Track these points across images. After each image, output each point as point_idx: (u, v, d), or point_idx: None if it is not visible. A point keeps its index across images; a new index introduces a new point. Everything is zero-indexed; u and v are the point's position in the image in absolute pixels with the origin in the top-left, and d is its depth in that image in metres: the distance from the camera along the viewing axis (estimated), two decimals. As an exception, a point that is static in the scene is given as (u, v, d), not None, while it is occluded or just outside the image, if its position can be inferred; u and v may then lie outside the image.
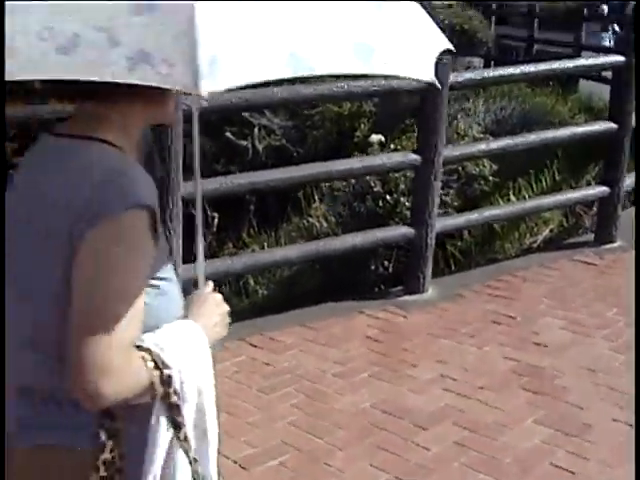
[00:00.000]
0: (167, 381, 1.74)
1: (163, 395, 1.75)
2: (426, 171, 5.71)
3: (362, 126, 11.92)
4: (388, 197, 7.27)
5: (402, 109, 10.29)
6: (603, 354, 5.12)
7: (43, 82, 1.90)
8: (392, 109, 10.61)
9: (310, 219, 9.08)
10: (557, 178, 8.55)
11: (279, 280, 7.98)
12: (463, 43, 14.41)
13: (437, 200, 5.88)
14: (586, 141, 7.66)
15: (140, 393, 1.72)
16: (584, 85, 13.75)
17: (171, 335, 1.80)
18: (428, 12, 1.93)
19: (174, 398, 1.77)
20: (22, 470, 1.81)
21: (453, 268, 7.23)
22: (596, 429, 4.27)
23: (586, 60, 8.66)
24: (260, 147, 13.93)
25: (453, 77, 5.82)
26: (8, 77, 1.52)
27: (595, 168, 8.48)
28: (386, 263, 7.28)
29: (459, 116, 9.91)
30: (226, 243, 11.48)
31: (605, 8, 19.23)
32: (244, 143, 13.98)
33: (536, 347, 5.18)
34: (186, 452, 1.82)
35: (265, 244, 9.13)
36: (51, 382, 1.75)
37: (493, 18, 17.66)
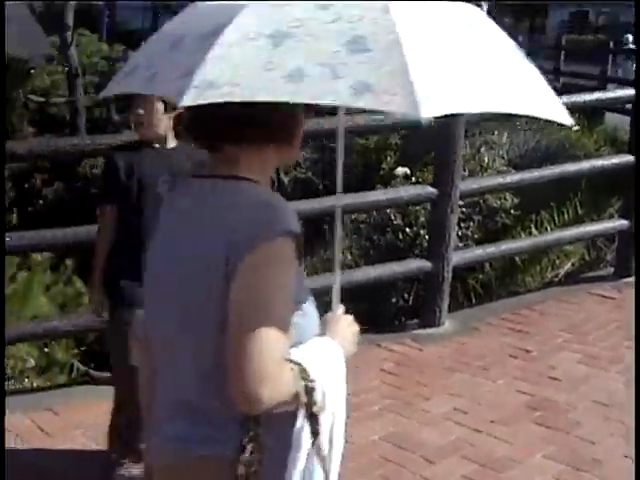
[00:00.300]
0: (310, 392, 1.93)
1: (306, 404, 1.94)
2: (442, 204, 5.75)
3: (388, 159, 11.98)
4: (408, 230, 7.33)
5: (428, 142, 10.33)
6: (617, 388, 5.10)
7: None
8: (418, 142, 10.66)
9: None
10: (580, 211, 8.57)
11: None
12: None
13: (454, 233, 5.92)
14: (609, 174, 7.67)
15: (288, 401, 1.89)
16: (610, 117, 13.75)
17: (313, 350, 2.00)
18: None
19: (315, 408, 1.96)
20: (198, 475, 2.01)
21: (474, 301, 7.26)
22: (606, 465, 4.25)
23: (609, 93, 8.69)
24: (286, 180, 14.04)
25: (469, 111, 5.85)
26: (236, 98, 1.69)
27: (618, 201, 8.48)
28: (406, 296, 7.31)
29: (482, 149, 9.95)
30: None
31: (630, 38, 19.15)
32: (270, 175, 14.08)
33: (550, 381, 5.18)
34: (322, 459, 2.02)
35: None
36: (208, 398, 1.96)
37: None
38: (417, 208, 7.37)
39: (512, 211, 8.31)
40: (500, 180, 6.57)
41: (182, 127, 2.43)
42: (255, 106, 1.78)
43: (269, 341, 1.82)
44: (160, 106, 3.69)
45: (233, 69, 1.72)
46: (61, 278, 8.90)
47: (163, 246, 2.06)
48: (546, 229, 8.31)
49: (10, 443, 4.32)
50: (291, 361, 1.90)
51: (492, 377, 5.22)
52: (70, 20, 16.80)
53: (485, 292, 7.50)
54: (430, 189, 5.81)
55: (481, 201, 7.98)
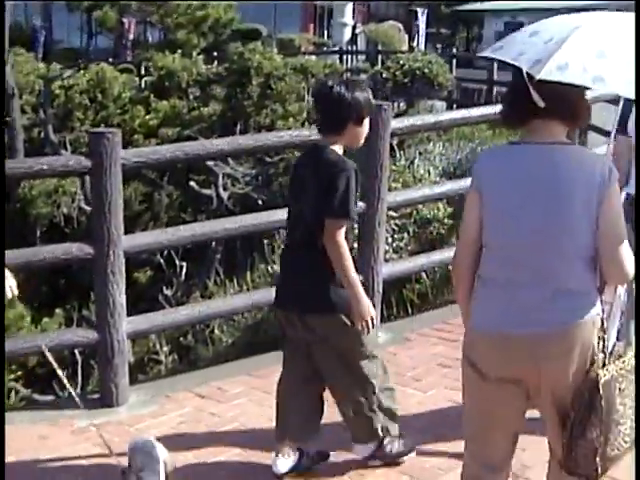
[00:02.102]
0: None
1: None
2: (370, 218, 5.78)
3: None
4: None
5: (353, 157, 10.33)
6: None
7: None
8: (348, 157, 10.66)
9: (275, 266, 9.10)
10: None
11: (244, 328, 7.99)
12: (424, 87, 14.64)
13: (383, 246, 5.94)
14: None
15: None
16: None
17: None
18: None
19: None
20: (584, 334, 2.94)
21: (410, 312, 7.29)
22: (535, 470, 4.30)
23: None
24: (225, 195, 14.04)
25: (395, 123, 5.91)
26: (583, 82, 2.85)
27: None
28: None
29: (417, 160, 10.02)
30: (193, 292, 11.51)
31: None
32: (208, 192, 14.09)
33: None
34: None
35: (231, 291, 9.16)
36: (582, 278, 2.96)
37: (454, 61, 17.96)
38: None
39: (446, 220, 8.36)
40: (427, 191, 6.62)
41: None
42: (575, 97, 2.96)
43: (625, 239, 2.93)
44: None
45: (576, 64, 2.77)
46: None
47: (514, 179, 2.98)
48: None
49: None
50: None
51: (423, 387, 5.25)
52: (5, 39, 16.64)
53: (421, 302, 7.54)
54: (358, 203, 5.83)
55: (415, 212, 8.03)
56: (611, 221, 2.88)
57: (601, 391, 2.90)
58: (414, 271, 6.64)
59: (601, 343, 2.96)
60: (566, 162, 2.91)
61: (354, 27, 37.16)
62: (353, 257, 3.95)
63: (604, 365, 2.95)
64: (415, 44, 31.66)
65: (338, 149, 4.00)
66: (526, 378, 3.01)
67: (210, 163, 13.50)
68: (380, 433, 4.21)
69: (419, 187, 7.35)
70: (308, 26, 38.15)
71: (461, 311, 3.28)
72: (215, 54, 24.17)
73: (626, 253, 2.91)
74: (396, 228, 7.67)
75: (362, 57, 28.32)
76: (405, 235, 7.86)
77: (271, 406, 4.39)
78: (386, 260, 6.72)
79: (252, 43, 18.84)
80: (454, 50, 18.17)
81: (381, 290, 5.96)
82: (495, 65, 16.60)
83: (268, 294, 5.75)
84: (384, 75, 14.44)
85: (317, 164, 3.97)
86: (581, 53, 2.79)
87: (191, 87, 18.69)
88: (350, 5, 38.90)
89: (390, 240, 7.47)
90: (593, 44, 2.83)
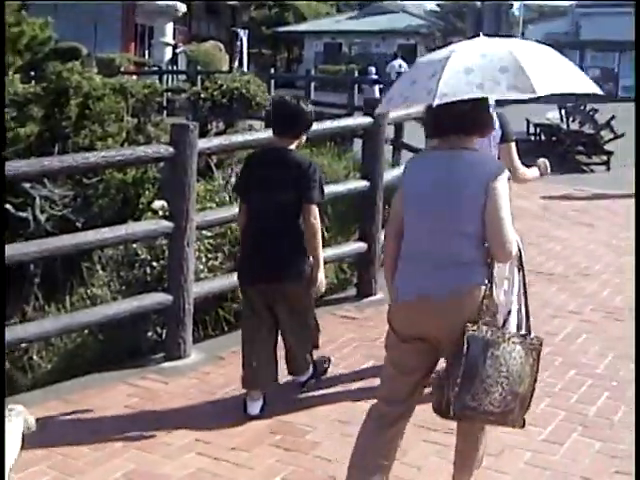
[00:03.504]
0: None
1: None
2: (179, 237, 5.79)
3: (147, 192, 11.92)
4: (155, 264, 7.32)
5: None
6: (357, 406, 5.26)
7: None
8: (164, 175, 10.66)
9: (93, 288, 8.97)
10: (326, 236, 8.78)
11: (62, 353, 7.83)
12: (243, 107, 14.70)
13: (192, 266, 5.97)
14: (352, 199, 7.96)
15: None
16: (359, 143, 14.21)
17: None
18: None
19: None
20: (470, 298, 3.68)
21: (227, 330, 7.31)
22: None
23: (349, 120, 9.03)
24: (42, 218, 13.68)
25: (202, 143, 5.96)
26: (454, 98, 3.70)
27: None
28: (159, 330, 7.28)
29: (232, 179, 10.06)
30: (12, 317, 11.17)
31: (373, 70, 20.27)
32: (24, 215, 13.70)
33: (291, 404, 5.32)
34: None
35: (50, 316, 8.95)
36: (471, 254, 3.69)
37: (272, 82, 18.13)
38: (164, 242, 7.37)
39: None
40: (236, 211, 6.65)
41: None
42: (468, 114, 3.74)
43: (508, 221, 3.64)
44: None
45: (452, 86, 3.59)
46: None
47: (425, 178, 3.82)
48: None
49: None
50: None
51: (234, 405, 5.28)
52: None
53: (237, 320, 7.57)
54: (165, 223, 5.85)
55: (229, 231, 8.06)
56: (495, 210, 3.62)
57: (465, 343, 3.59)
58: (228, 289, 6.66)
59: (485, 307, 3.66)
60: (463, 163, 3.74)
61: (175, 47, 37.01)
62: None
63: (477, 323, 3.63)
64: (237, 64, 31.76)
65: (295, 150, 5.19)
66: (428, 334, 3.75)
67: (26, 185, 13.13)
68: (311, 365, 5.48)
69: (229, 207, 7.38)
70: (129, 45, 37.75)
71: (387, 289, 4.01)
72: (33, 73, 23.55)
73: (508, 236, 3.64)
74: (210, 247, 7.70)
75: (183, 77, 28.20)
76: (219, 255, 7.88)
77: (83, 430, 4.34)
78: (201, 279, 6.74)
79: (71, 62, 18.46)
80: (272, 70, 18.39)
81: (192, 309, 5.98)
82: (312, 85, 16.90)
83: (86, 317, 5.70)
84: (202, 95, 14.42)
85: (286, 162, 5.07)
86: (455, 74, 3.62)
87: (8, 107, 18.15)
88: (171, 25, 38.75)
89: (205, 259, 7.48)
90: (463, 64, 3.66)
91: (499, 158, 4.97)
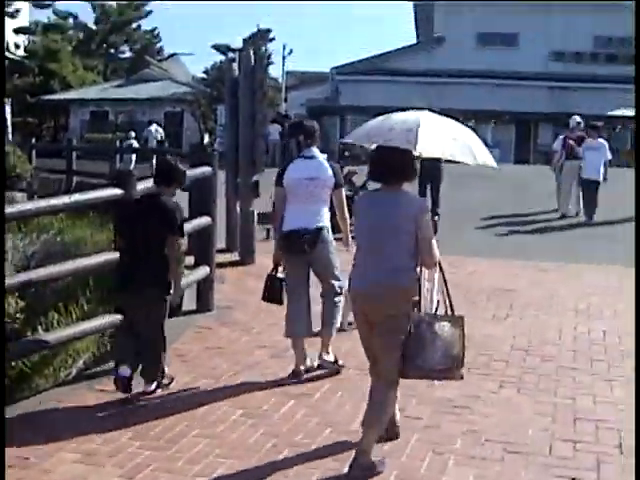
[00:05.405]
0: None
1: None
2: None
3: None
4: None
5: None
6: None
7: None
8: None
9: None
10: (86, 308, 8.59)
11: None
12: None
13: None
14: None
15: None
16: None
17: None
18: None
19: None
20: (403, 293, 5.36)
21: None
22: None
23: (90, 194, 8.58)
24: None
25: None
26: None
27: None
28: None
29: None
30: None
31: (133, 134, 20.11)
32: None
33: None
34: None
35: None
36: (407, 263, 5.33)
37: (34, 152, 17.73)
38: None
39: (18, 315, 8.19)
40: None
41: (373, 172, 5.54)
42: (406, 165, 5.48)
43: (434, 242, 5.33)
44: None
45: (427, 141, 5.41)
46: None
47: (373, 212, 5.43)
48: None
49: None
50: None
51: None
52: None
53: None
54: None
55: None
56: (423, 235, 5.31)
57: (412, 326, 5.31)
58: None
59: (417, 301, 5.39)
60: (398, 201, 5.40)
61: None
62: None
63: (417, 311, 5.39)
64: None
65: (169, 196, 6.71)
66: (370, 317, 5.42)
67: None
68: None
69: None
70: None
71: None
72: None
73: (432, 251, 5.33)
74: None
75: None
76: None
77: None
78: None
79: None
80: (33, 140, 18.00)
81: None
82: (74, 155, 16.63)
83: None
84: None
85: (160, 206, 6.56)
86: (435, 136, 5.51)
87: None
88: None
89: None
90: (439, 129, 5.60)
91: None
